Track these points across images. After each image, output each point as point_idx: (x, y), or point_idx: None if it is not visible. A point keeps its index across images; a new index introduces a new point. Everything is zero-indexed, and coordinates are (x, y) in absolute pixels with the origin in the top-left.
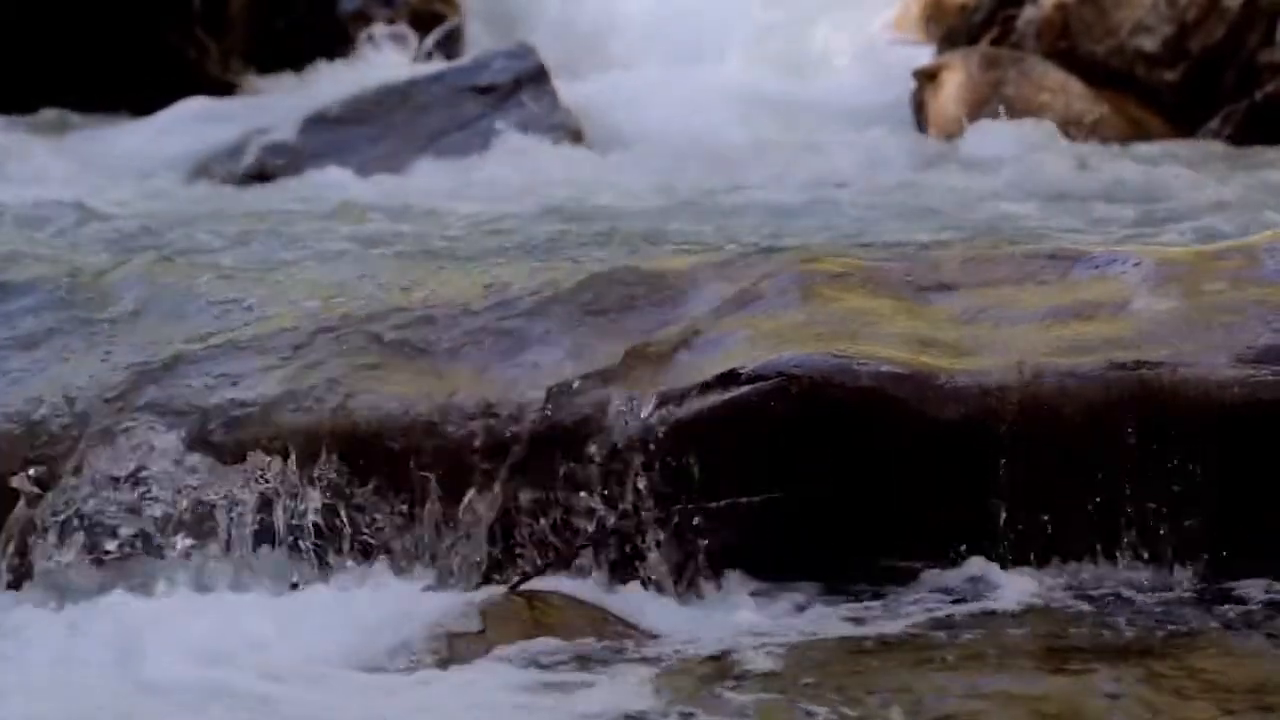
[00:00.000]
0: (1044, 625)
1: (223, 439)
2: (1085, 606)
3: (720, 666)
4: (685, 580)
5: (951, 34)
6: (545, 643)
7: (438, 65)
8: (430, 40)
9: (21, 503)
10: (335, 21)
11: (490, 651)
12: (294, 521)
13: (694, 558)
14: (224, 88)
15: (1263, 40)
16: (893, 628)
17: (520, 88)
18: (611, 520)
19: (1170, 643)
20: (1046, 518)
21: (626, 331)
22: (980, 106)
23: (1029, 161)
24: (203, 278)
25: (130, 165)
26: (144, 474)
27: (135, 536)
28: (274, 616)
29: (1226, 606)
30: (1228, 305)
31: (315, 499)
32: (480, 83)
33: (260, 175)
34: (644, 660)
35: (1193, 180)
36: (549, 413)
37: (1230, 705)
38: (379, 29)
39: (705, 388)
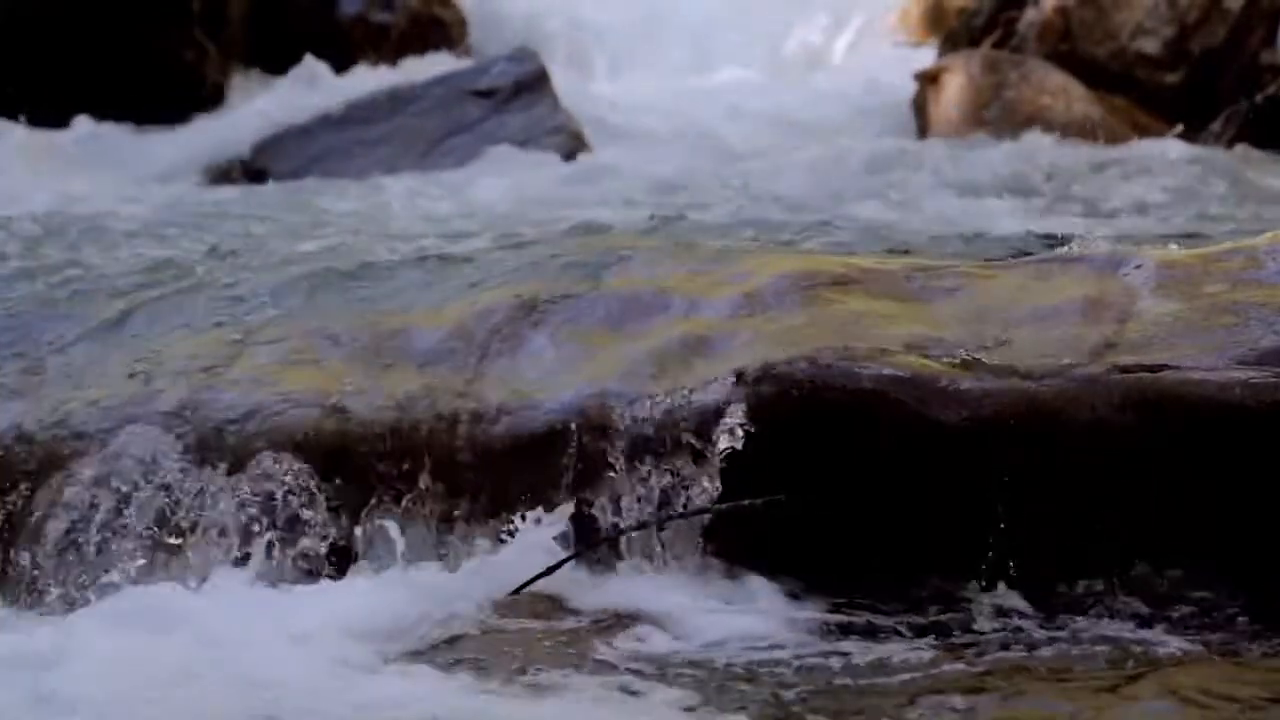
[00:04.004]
0: (1048, 635)
1: (227, 441)
2: (1084, 611)
3: (719, 666)
4: (687, 580)
5: (952, 36)
6: (549, 640)
7: (439, 69)
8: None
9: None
10: (335, 24)
11: (496, 650)
12: (299, 520)
13: (696, 558)
14: (223, 91)
15: (1264, 42)
16: (892, 633)
17: (521, 92)
18: (615, 521)
19: (1183, 658)
20: (1048, 521)
21: (629, 335)
22: (981, 109)
23: (1029, 164)
24: (203, 282)
25: (126, 170)
26: (154, 476)
27: (147, 534)
28: (280, 612)
29: (1231, 608)
30: (1229, 307)
31: (320, 499)
32: (481, 87)
33: (261, 179)
34: (645, 658)
35: (1194, 182)
36: (552, 416)
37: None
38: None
39: (708, 389)
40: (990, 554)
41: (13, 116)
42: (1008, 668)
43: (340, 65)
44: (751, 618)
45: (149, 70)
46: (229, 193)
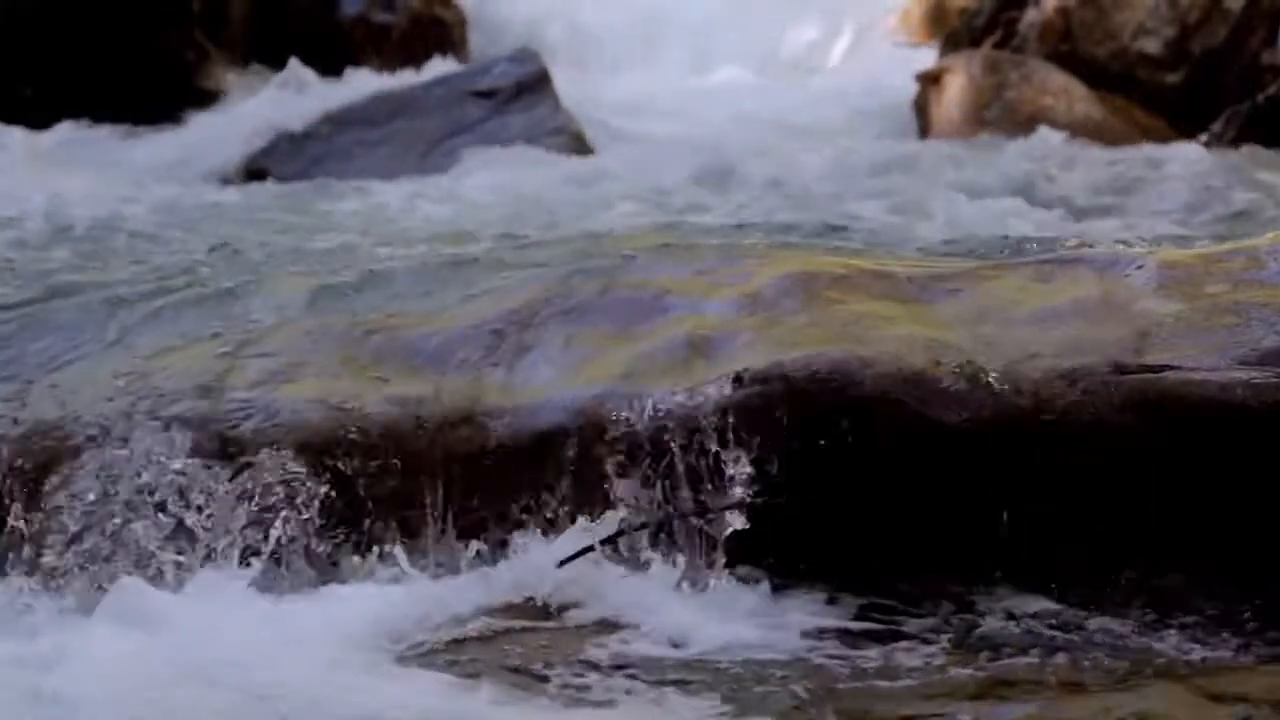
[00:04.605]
0: (1051, 641)
1: (228, 442)
2: (1089, 614)
3: (725, 668)
4: (690, 580)
5: (953, 37)
6: (552, 643)
7: (440, 70)
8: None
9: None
10: (336, 25)
11: (499, 654)
12: (300, 524)
13: (699, 559)
14: (224, 92)
15: (1264, 42)
16: (900, 637)
17: (522, 93)
18: (619, 521)
19: (1190, 661)
20: (1051, 523)
21: (631, 335)
22: (982, 109)
23: (1031, 164)
24: (204, 285)
25: (126, 172)
26: (152, 475)
27: (147, 538)
28: (280, 616)
29: (1239, 610)
30: (1231, 308)
31: (321, 503)
32: (482, 87)
33: (262, 180)
34: (647, 661)
35: (1195, 182)
36: (554, 418)
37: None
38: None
39: (709, 390)
40: (994, 556)
41: (12, 118)
42: (1017, 673)
43: (342, 66)
44: (757, 620)
45: (149, 71)
46: (229, 194)
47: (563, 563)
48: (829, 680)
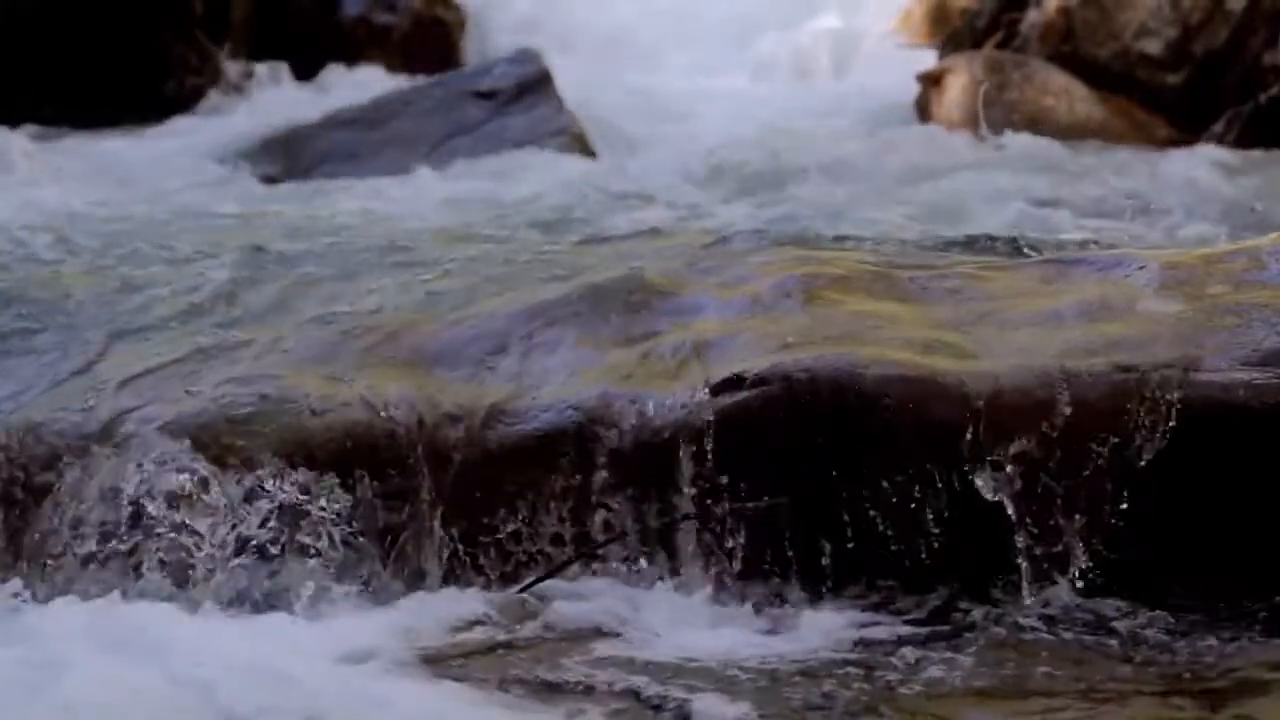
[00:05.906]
0: (1073, 645)
1: (227, 450)
2: (1106, 618)
3: (730, 672)
4: (689, 584)
5: (955, 37)
6: (555, 647)
7: (440, 71)
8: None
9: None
10: (338, 26)
11: (505, 658)
12: (298, 528)
13: (698, 562)
14: (225, 93)
15: (1266, 43)
16: (902, 642)
17: (523, 93)
18: (618, 524)
19: (1205, 666)
20: (1053, 523)
21: (632, 337)
22: (984, 110)
23: (1032, 165)
24: (202, 285)
25: (125, 174)
26: (150, 485)
27: (139, 542)
28: (278, 620)
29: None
30: (1232, 308)
31: (324, 509)
32: (482, 88)
33: (263, 181)
34: (647, 660)
35: (1197, 183)
36: (555, 420)
37: None
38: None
39: (710, 392)
40: (999, 559)
41: (12, 119)
42: (1039, 679)
43: (343, 67)
44: (767, 626)
45: (149, 72)
46: (229, 196)
47: (522, 589)
48: (846, 687)
